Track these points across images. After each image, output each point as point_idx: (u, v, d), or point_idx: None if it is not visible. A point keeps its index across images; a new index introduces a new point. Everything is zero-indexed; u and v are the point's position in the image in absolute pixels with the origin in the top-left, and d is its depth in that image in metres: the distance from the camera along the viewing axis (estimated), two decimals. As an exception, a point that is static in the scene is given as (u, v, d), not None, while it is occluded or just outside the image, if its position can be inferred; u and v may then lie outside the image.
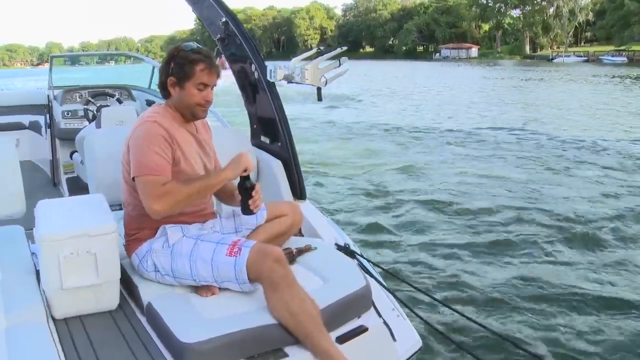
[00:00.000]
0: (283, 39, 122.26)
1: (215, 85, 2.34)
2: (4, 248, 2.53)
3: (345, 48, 3.14)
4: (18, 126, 5.59)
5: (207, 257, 2.20)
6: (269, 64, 3.09)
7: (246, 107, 3.52)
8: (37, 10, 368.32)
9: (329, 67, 2.99)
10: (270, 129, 3.28)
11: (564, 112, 18.33)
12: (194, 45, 2.32)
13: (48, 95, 5.64)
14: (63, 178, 4.83)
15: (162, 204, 2.16)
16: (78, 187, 4.50)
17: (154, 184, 2.17)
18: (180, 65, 2.26)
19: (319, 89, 3.04)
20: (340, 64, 3.00)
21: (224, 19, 3.18)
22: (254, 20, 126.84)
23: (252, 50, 3.14)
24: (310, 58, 3.04)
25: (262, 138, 3.43)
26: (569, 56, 70.21)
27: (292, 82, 3.05)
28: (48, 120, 5.42)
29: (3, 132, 5.37)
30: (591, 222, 6.31)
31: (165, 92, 2.35)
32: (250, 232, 2.50)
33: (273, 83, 3.11)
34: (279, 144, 3.21)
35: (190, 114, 2.36)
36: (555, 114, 17.85)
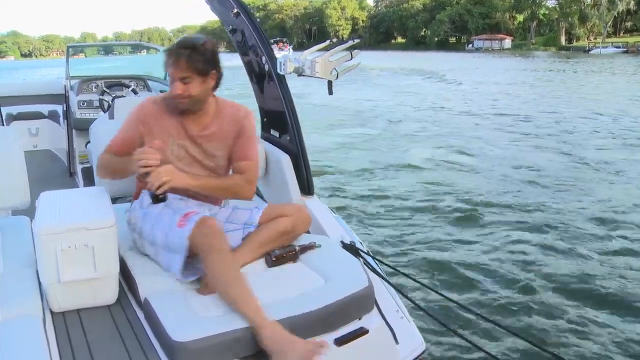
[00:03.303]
0: (314, 29, 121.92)
1: (184, 79, 2.30)
2: (8, 239, 2.54)
3: (357, 40, 3.07)
4: (38, 115, 5.66)
5: (165, 223, 2.26)
6: (279, 57, 3.03)
7: (257, 100, 3.48)
8: (72, 1, 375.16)
9: (341, 60, 2.92)
10: (279, 122, 3.23)
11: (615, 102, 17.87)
12: (183, 39, 2.34)
13: (65, 85, 5.69)
14: (79, 168, 4.86)
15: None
16: (92, 177, 4.53)
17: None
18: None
19: (329, 83, 2.98)
20: (352, 57, 2.93)
21: (235, 10, 3.13)
22: (285, 10, 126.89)
23: (262, 42, 3.08)
24: (322, 50, 2.97)
25: (272, 131, 3.38)
26: (606, 47, 68.26)
27: (303, 75, 3.00)
28: (65, 110, 5.48)
29: (24, 121, 5.45)
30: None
31: None
32: (249, 233, 2.45)
33: (283, 75, 3.05)
34: (288, 137, 3.15)
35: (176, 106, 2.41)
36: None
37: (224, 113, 2.49)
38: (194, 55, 2.27)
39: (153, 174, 2.20)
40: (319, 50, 2.99)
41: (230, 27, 3.32)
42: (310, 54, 2.98)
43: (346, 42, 2.97)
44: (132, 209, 2.46)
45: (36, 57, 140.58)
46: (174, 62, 2.29)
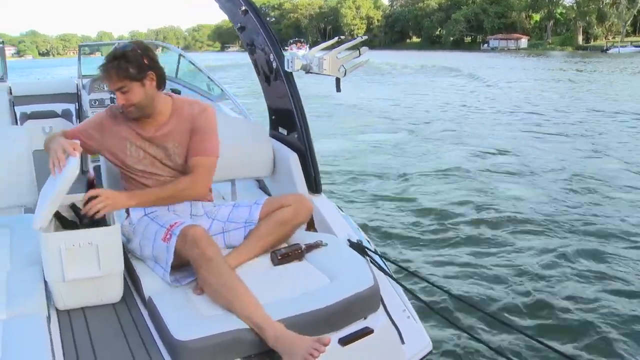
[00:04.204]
0: (329, 28, 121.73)
1: (121, 89, 2.30)
2: (17, 237, 2.55)
3: (365, 38, 3.05)
4: (51, 114, 5.70)
5: (151, 238, 2.27)
6: (287, 54, 3.02)
7: (265, 97, 3.47)
8: (90, 1, 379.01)
9: (348, 57, 2.90)
10: (287, 119, 3.22)
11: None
12: (110, 53, 2.33)
13: (77, 84, 5.74)
14: (91, 166, 4.89)
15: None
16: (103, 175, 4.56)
17: None
18: None
19: (337, 80, 2.95)
20: (360, 54, 2.91)
21: (243, 8, 3.12)
22: (300, 9, 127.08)
23: (270, 39, 3.07)
24: (329, 48, 2.95)
25: (280, 129, 3.37)
26: (625, 46, 67.25)
27: (310, 73, 2.98)
28: (77, 109, 5.52)
29: (38, 119, 5.49)
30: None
31: None
32: (252, 229, 2.44)
33: (291, 73, 3.03)
34: (296, 135, 3.14)
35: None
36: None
37: (181, 111, 2.46)
38: (122, 64, 2.26)
39: (89, 203, 2.18)
40: (327, 47, 2.97)
41: (239, 25, 3.31)
42: (318, 52, 2.96)
43: (354, 39, 2.95)
44: (123, 225, 2.43)
45: (54, 55, 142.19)
46: (105, 77, 2.30)
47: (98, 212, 2.17)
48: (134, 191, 2.39)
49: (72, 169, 2.12)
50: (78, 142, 2.29)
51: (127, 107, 2.34)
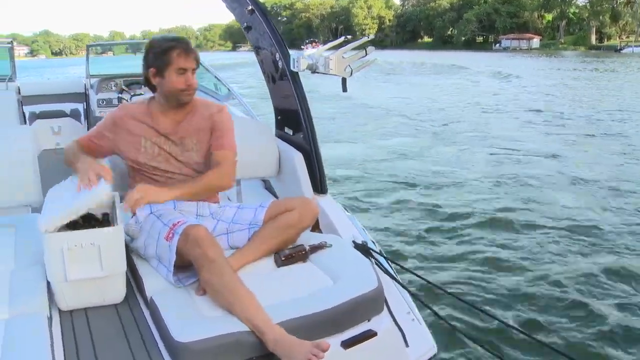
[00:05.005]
0: (341, 28, 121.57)
1: (194, 69, 2.40)
2: (22, 236, 2.56)
3: (372, 37, 3.03)
4: (60, 114, 5.73)
5: (155, 235, 2.26)
6: (293, 54, 3.00)
7: (271, 97, 3.46)
8: (102, 0, 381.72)
9: (355, 57, 2.88)
10: (293, 120, 3.20)
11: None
12: (168, 36, 2.44)
13: (85, 84, 5.76)
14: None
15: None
16: None
17: None
18: (157, 55, 2.38)
19: (343, 80, 2.93)
20: (366, 54, 2.89)
21: (249, 7, 3.11)
22: (312, 9, 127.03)
23: (276, 39, 3.06)
24: (336, 47, 2.94)
25: (286, 129, 3.35)
26: (639, 46, 66.66)
27: (317, 72, 2.96)
28: (86, 108, 5.55)
29: (47, 119, 5.52)
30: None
31: (149, 85, 2.48)
32: (255, 231, 2.43)
33: (297, 73, 3.02)
34: (301, 135, 3.12)
35: (176, 101, 2.43)
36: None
37: (197, 110, 2.52)
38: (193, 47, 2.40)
39: (126, 197, 2.20)
40: (333, 47, 2.95)
41: (245, 24, 3.31)
42: (324, 51, 2.95)
43: (361, 39, 2.94)
44: (129, 224, 2.43)
45: (66, 55, 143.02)
46: (187, 53, 2.37)
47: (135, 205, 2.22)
48: (167, 186, 2.37)
49: (103, 191, 2.17)
50: (111, 171, 2.32)
51: (193, 89, 2.42)
